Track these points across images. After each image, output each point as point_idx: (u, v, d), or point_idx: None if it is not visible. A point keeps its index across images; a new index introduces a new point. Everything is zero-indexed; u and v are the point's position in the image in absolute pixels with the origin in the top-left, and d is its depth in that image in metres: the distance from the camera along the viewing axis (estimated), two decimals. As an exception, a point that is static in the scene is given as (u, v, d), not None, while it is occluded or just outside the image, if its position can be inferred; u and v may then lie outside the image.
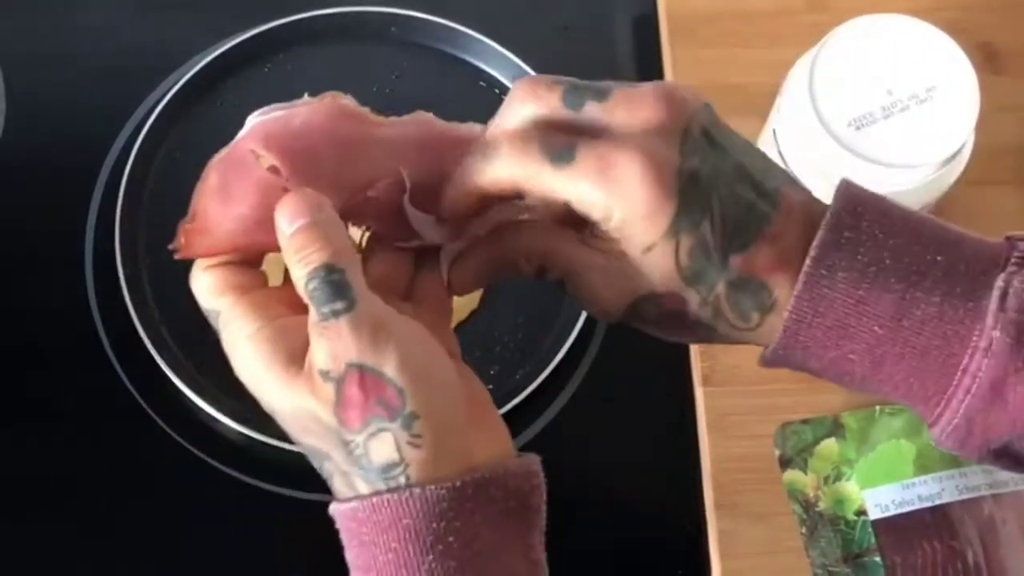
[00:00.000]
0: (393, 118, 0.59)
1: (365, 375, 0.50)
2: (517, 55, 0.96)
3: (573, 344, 0.87)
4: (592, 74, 0.99)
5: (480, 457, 0.52)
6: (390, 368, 0.50)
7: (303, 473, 0.82)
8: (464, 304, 0.89)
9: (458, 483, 0.50)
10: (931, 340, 0.53)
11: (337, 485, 0.53)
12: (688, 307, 0.55)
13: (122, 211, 0.89)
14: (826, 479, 0.82)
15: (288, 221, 0.53)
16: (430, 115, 0.60)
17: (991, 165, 0.88)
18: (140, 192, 0.91)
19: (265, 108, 0.57)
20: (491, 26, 0.97)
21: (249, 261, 0.57)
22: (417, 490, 0.50)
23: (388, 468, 0.50)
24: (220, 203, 0.56)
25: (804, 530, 0.81)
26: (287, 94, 0.94)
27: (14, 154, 0.93)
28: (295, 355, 0.52)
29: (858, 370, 0.55)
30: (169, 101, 0.93)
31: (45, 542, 0.84)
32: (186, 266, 0.88)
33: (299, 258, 0.52)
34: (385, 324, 0.51)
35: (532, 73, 0.96)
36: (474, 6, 1.00)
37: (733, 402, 0.84)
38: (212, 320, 0.56)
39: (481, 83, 0.97)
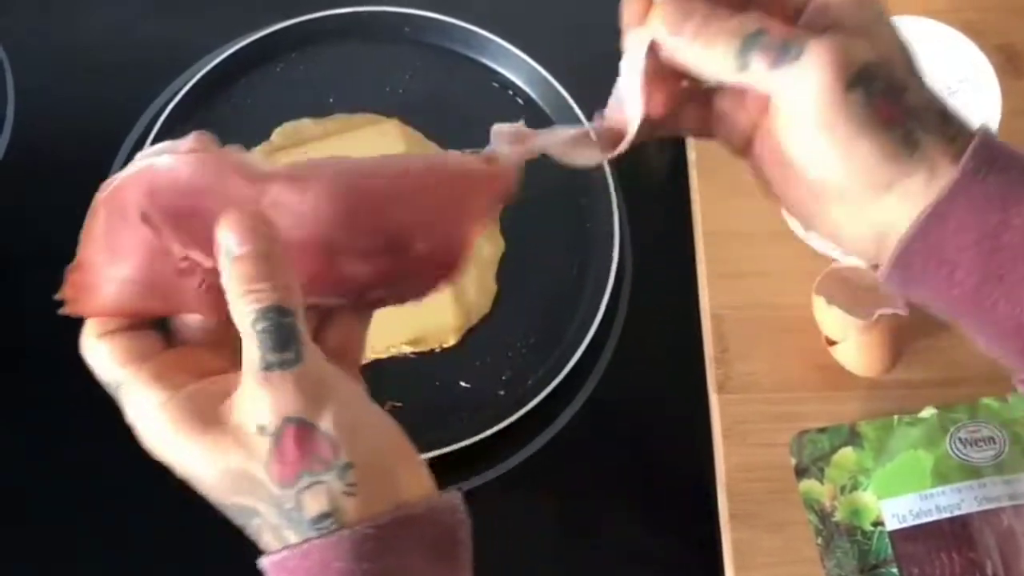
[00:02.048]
0: (288, 168, 0.54)
1: (302, 429, 0.50)
2: (530, 55, 0.96)
3: (586, 350, 0.87)
4: (607, 74, 0.99)
5: (406, 497, 0.52)
6: (326, 422, 0.50)
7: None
8: (476, 309, 0.89)
9: (383, 521, 0.50)
10: None
11: (267, 539, 0.52)
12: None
13: (131, 212, 0.89)
14: (843, 489, 0.81)
15: (237, 241, 0.51)
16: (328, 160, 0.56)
17: (1012, 170, 0.87)
18: (149, 193, 0.91)
19: (155, 147, 0.54)
20: (504, 26, 0.97)
21: (142, 323, 0.55)
22: (346, 532, 0.50)
23: (320, 519, 0.50)
24: (105, 258, 0.54)
25: (820, 540, 0.80)
26: (299, 93, 0.96)
27: (22, 152, 0.93)
28: (209, 419, 0.51)
29: (1018, 241, 0.53)
30: (180, 100, 0.93)
31: (57, 541, 0.84)
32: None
33: (247, 290, 0.50)
34: (325, 379, 0.51)
35: (545, 73, 0.95)
36: (488, 6, 1.00)
37: (748, 410, 0.84)
38: (111, 391, 0.54)
39: (494, 83, 0.97)
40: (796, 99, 0.53)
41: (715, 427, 0.84)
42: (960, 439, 0.82)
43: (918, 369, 0.85)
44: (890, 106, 0.54)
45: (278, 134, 0.93)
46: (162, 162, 0.53)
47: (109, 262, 0.54)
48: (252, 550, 0.81)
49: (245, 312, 0.50)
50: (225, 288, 0.51)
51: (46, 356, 0.87)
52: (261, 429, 0.50)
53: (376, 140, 0.92)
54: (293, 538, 0.51)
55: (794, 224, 0.88)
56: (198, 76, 0.94)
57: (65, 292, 0.54)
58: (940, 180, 0.53)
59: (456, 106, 0.96)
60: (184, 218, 0.53)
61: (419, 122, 0.94)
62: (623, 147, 0.57)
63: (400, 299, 0.57)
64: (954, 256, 0.54)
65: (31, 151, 0.93)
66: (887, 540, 0.79)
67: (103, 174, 0.91)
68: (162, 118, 0.92)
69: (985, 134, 0.54)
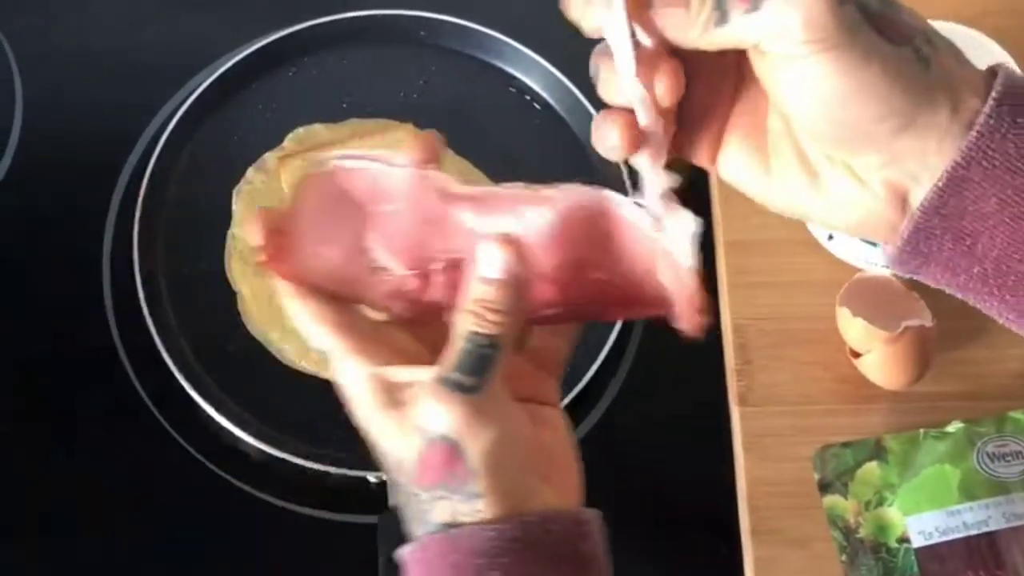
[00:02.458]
0: (477, 190, 0.57)
1: (451, 449, 0.53)
2: (548, 60, 0.95)
3: (604, 360, 0.86)
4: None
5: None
6: (474, 454, 0.53)
7: (326, 493, 0.83)
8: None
9: (502, 525, 0.53)
10: None
11: (408, 525, 0.56)
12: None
13: (141, 218, 0.88)
14: (867, 504, 0.80)
15: (501, 266, 0.54)
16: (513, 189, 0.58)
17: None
18: (160, 200, 0.90)
19: (381, 153, 0.57)
20: (522, 31, 0.96)
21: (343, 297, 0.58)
22: (465, 529, 0.54)
23: (445, 526, 0.54)
24: (313, 235, 0.57)
25: (844, 557, 0.79)
26: (312, 98, 0.95)
27: (30, 157, 0.93)
28: (399, 401, 0.55)
29: None
30: (191, 105, 0.92)
31: (59, 557, 0.83)
32: (205, 278, 0.88)
33: (480, 311, 0.54)
34: (492, 415, 0.54)
35: (562, 78, 0.94)
36: (505, 10, 0.99)
37: (770, 423, 0.83)
38: (316, 350, 0.58)
39: (511, 89, 0.96)
40: (786, 33, 0.49)
41: (736, 441, 0.83)
42: (987, 454, 0.80)
43: (945, 382, 0.84)
44: (889, 19, 0.50)
45: (290, 139, 0.92)
46: (378, 167, 0.56)
47: (315, 240, 0.57)
48: (267, 571, 0.81)
49: (464, 325, 0.54)
50: (464, 292, 0.55)
51: (55, 366, 0.87)
52: (421, 430, 0.54)
53: (390, 147, 0.91)
54: (419, 531, 0.55)
55: (817, 232, 0.87)
56: (209, 80, 0.93)
57: (264, 246, 0.57)
58: (965, 113, 0.50)
59: (472, 112, 0.95)
60: (382, 221, 0.56)
61: (434, 128, 0.92)
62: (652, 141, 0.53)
63: (576, 319, 0.60)
64: (986, 209, 0.50)
65: (39, 156, 0.93)
66: (913, 557, 0.78)
67: (112, 180, 0.93)
68: (172, 123, 0.91)
69: (1008, 75, 0.50)
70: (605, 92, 0.54)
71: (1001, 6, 0.92)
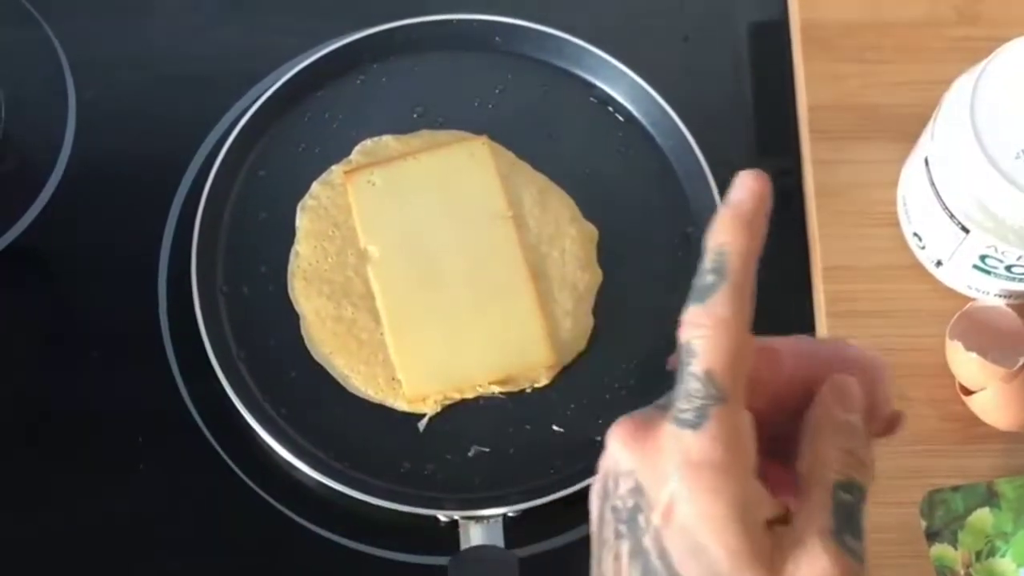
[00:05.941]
0: None
1: None
2: (632, 68, 0.92)
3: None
4: (713, 88, 0.97)
5: None
6: None
7: (392, 532, 0.82)
8: (570, 346, 0.86)
9: None
10: None
11: None
12: None
13: (200, 234, 0.87)
14: (978, 555, 0.78)
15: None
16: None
17: None
18: (219, 215, 0.89)
19: None
20: (604, 37, 0.94)
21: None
22: None
23: None
24: None
25: (953, 612, 0.77)
26: (381, 108, 0.94)
27: (82, 170, 0.92)
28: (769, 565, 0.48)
29: None
30: (253, 114, 0.91)
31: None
32: (266, 298, 0.88)
33: (861, 448, 0.50)
34: None
35: (648, 88, 0.93)
36: (586, 15, 0.97)
37: (873, 464, 0.81)
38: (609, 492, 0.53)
39: (592, 99, 0.94)
40: None
41: (835, 483, 0.81)
42: (1111, 501, 0.78)
43: (1064, 422, 0.81)
44: None
45: (358, 152, 0.91)
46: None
47: None
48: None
49: (835, 470, 0.50)
50: (824, 429, 0.51)
51: (102, 372, 0.87)
52: None
53: (464, 160, 0.89)
54: None
55: (925, 257, 0.86)
56: (272, 88, 0.92)
57: None
58: None
59: (551, 123, 0.93)
60: None
61: (510, 140, 0.91)
62: None
63: None
64: None
65: (93, 167, 0.92)
66: (1029, 614, 0.76)
67: (170, 193, 0.92)
68: (234, 133, 0.90)
69: None
70: None
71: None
